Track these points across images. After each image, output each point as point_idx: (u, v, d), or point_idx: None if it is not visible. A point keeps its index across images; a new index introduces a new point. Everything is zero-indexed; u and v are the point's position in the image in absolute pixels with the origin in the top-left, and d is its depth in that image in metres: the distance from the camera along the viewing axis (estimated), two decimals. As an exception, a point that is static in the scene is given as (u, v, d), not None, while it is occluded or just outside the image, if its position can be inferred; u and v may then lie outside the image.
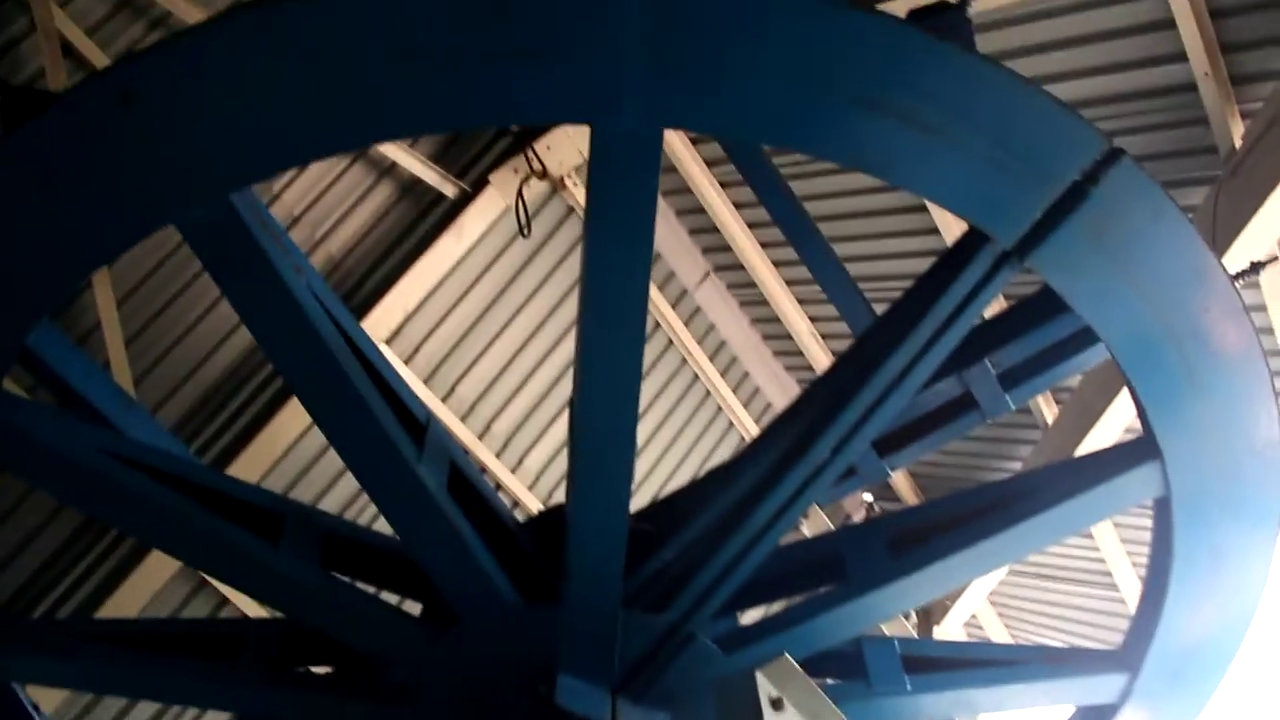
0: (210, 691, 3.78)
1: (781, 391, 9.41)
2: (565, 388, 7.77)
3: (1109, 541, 8.25)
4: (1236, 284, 2.95)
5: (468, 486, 3.45)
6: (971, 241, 2.81)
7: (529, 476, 7.75)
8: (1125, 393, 4.83)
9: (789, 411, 3.55)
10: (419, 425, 3.40)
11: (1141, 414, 3.06)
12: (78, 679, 3.93)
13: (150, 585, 6.04)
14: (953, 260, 2.90)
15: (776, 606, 3.71)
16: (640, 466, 8.20)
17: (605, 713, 3.13)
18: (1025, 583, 9.51)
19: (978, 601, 7.73)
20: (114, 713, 6.07)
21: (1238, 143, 5.63)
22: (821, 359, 8.98)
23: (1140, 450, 3.15)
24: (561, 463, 7.73)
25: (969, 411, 3.78)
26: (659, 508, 3.75)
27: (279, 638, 3.80)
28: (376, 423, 2.96)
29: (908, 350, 2.94)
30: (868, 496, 9.16)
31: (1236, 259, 4.79)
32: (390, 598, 3.69)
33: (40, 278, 2.68)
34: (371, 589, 3.73)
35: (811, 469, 3.10)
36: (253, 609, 6.31)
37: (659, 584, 3.26)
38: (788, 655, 2.57)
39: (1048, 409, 7.99)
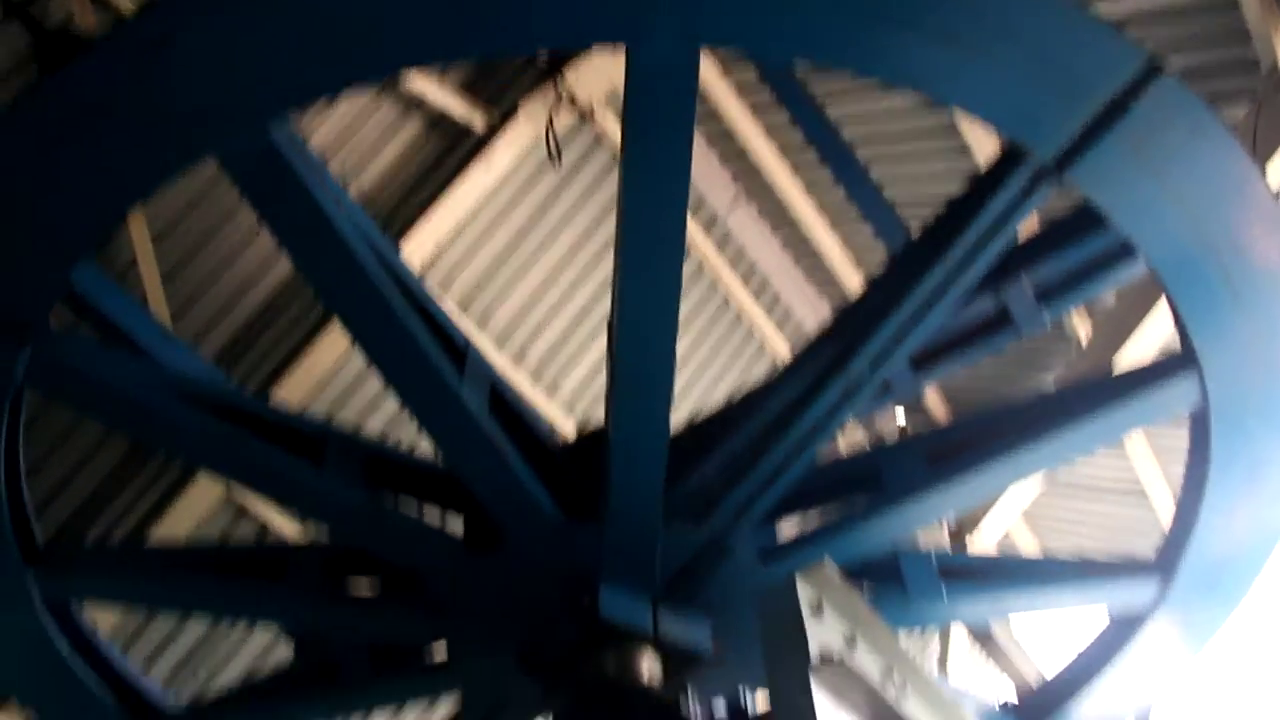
0: (259, 604, 3.89)
1: (814, 313, 9.39)
2: (599, 313, 7.80)
3: (1142, 455, 8.25)
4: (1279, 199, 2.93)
5: (508, 408, 3.50)
6: (1010, 157, 2.80)
7: (565, 401, 7.81)
8: (1160, 308, 4.78)
9: (826, 328, 3.57)
10: (458, 350, 3.45)
11: (1180, 327, 3.06)
12: (133, 595, 4.04)
13: (195, 512, 6.16)
14: (991, 176, 2.89)
15: (814, 520, 3.75)
16: (672, 391, 8.24)
17: (647, 622, 3.19)
18: (1058, 499, 9.53)
19: (1012, 518, 7.76)
20: (162, 636, 6.23)
21: (1279, 58, 5.53)
22: (853, 280, 8.94)
23: (1178, 363, 3.16)
24: (597, 387, 7.78)
25: (1004, 327, 3.78)
26: (697, 426, 3.79)
27: (324, 558, 3.89)
28: (418, 346, 3.01)
29: (946, 265, 2.94)
30: (900, 413, 9.17)
31: (1277, 174, 4.73)
32: (433, 514, 3.76)
33: (83, 215, 2.73)
34: (414, 504, 3.80)
35: (850, 383, 3.13)
36: (294, 536, 6.44)
37: (699, 498, 3.30)
38: (829, 559, 2.62)
39: (1081, 325, 7.95)
